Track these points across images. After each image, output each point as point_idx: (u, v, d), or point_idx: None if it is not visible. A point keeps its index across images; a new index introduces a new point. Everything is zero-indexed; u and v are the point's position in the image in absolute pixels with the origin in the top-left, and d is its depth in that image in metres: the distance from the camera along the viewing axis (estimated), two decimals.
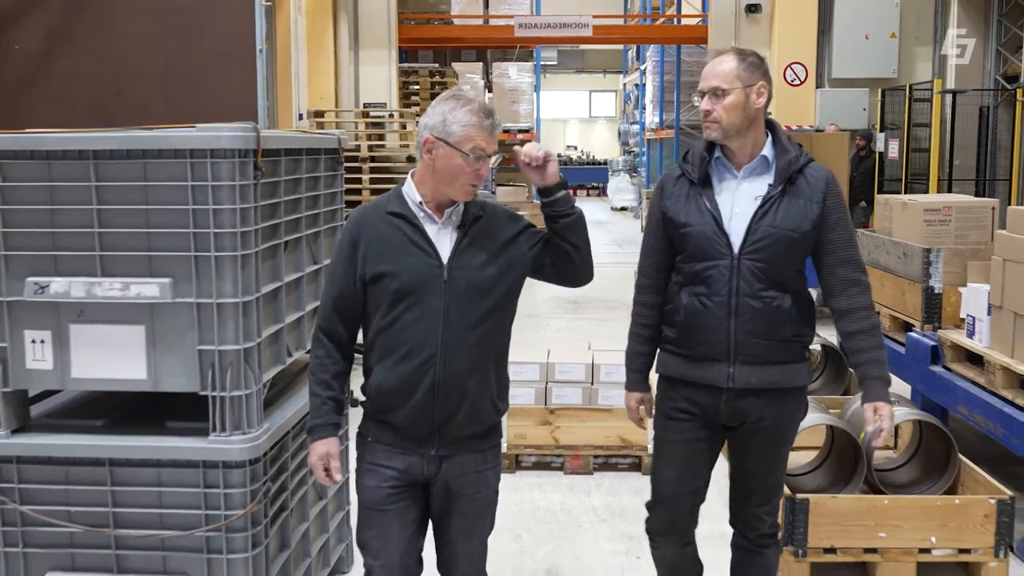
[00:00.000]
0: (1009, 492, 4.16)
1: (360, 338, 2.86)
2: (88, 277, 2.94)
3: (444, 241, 2.76)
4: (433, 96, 15.96)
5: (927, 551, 4.11)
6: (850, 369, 5.91)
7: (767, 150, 3.07)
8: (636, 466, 5.51)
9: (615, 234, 20.25)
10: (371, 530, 2.85)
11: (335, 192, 3.92)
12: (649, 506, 3.35)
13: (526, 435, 5.50)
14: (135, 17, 4.88)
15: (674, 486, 3.23)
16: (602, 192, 31.41)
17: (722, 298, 3.02)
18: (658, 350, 3.27)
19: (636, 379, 3.34)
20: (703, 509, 3.33)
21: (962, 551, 4.12)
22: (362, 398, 2.87)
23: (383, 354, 2.75)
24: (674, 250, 3.15)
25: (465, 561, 2.93)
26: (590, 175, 33.68)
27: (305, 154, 3.52)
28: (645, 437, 5.38)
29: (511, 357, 5.79)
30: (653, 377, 3.32)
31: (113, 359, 2.98)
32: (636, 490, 5.23)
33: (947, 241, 5.82)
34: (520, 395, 5.59)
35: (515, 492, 5.23)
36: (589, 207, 28.08)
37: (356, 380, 2.89)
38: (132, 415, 3.25)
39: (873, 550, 4.10)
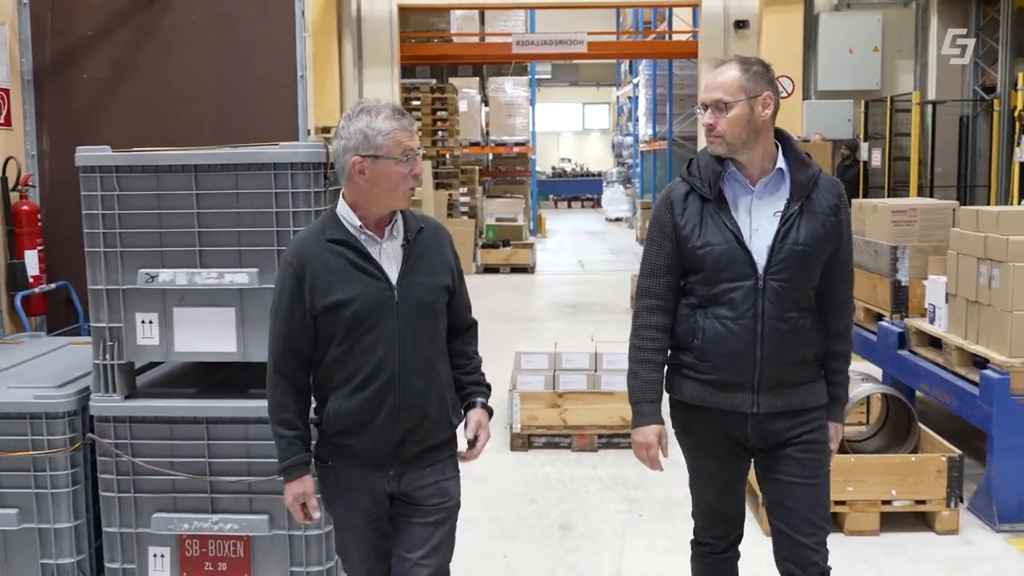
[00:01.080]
0: (958, 451, 4.88)
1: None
2: (189, 268, 3.64)
3: (390, 261, 2.79)
4: (435, 111, 16.81)
5: (888, 503, 4.83)
6: None
7: (782, 161, 2.97)
8: None
9: (611, 244, 20.97)
10: (353, 544, 2.97)
11: None
12: (694, 516, 3.31)
13: (537, 417, 6.21)
14: (190, 49, 5.59)
15: (718, 505, 3.21)
16: (596, 204, 32.18)
17: (747, 321, 2.91)
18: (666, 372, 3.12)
19: (652, 410, 3.06)
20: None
21: (918, 502, 4.85)
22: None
23: (340, 382, 2.79)
24: (684, 269, 3.03)
25: None
26: (585, 187, 34.47)
27: None
28: None
29: (522, 348, 6.51)
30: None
31: (209, 336, 3.68)
32: (636, 463, 5.89)
33: (913, 239, 6.53)
34: (531, 382, 6.31)
35: (528, 467, 5.94)
36: (584, 218, 28.94)
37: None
38: (218, 384, 3.96)
39: (842, 502, 4.81)
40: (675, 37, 18.96)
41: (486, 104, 21.05)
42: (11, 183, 5.30)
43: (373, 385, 2.75)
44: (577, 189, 34.71)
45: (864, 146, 15.35)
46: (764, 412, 2.96)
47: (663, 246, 3.04)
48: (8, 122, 5.43)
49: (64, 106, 5.63)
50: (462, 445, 2.99)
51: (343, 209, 2.79)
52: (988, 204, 14.06)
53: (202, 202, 3.62)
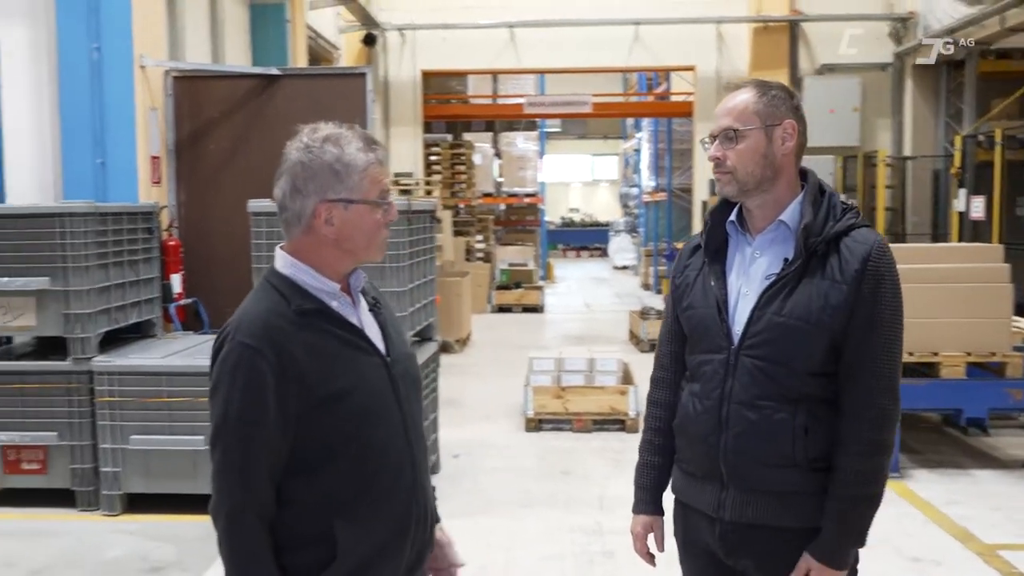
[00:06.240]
0: None
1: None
2: None
3: (371, 330, 2.30)
4: (453, 164, 19.18)
5: None
6: None
7: (789, 211, 2.51)
8: (622, 427, 8.42)
9: (616, 289, 23.29)
10: None
11: (432, 236, 6.96)
12: None
13: (545, 406, 8.45)
14: (292, 127, 7.93)
15: None
16: (604, 253, 34.54)
17: (712, 402, 2.50)
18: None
19: (643, 498, 2.77)
20: None
21: None
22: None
23: (349, 499, 2.19)
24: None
25: None
26: (592, 237, 36.86)
27: (426, 214, 6.57)
28: (628, 406, 8.32)
29: (535, 353, 8.81)
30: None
31: None
32: (621, 439, 8.16)
33: None
34: (540, 379, 8.58)
35: (539, 441, 8.19)
36: (591, 266, 31.32)
37: None
38: None
39: None
40: (673, 98, 21.40)
41: (499, 157, 23.46)
42: (164, 225, 7.62)
43: (398, 496, 2.25)
44: (585, 239, 37.11)
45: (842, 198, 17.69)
46: (731, 520, 2.50)
47: (669, 308, 2.75)
48: (159, 181, 7.79)
49: (196, 169, 8.01)
50: None
51: (297, 270, 2.23)
52: None
53: None
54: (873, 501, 2.47)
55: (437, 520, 2.47)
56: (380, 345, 2.29)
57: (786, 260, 2.48)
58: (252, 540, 2.14)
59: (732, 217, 2.61)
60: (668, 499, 2.82)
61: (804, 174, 2.60)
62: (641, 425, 2.91)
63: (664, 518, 2.82)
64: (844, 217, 2.50)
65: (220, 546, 2.17)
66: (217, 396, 2.16)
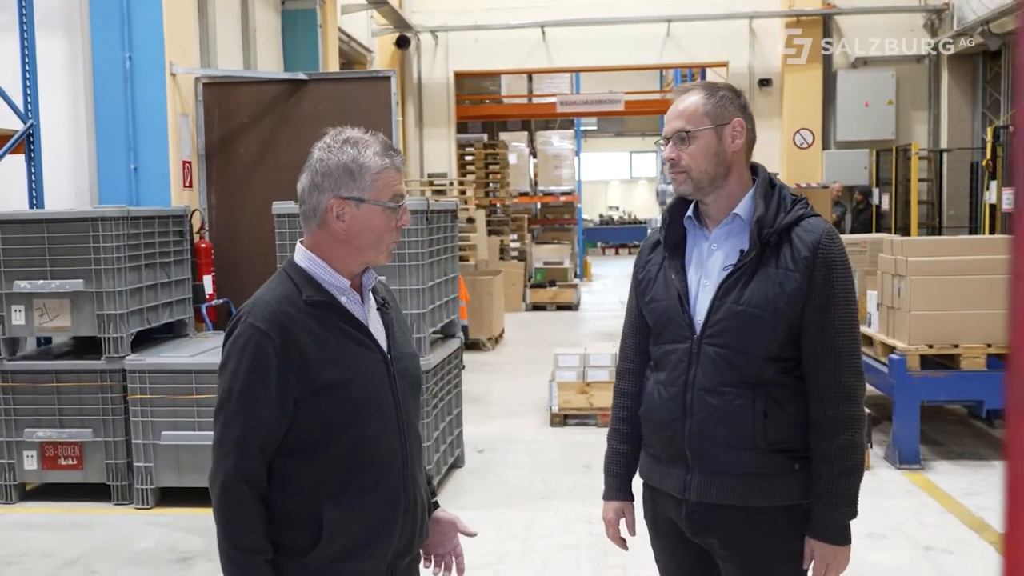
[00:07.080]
0: (868, 411, 7.15)
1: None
2: None
3: (375, 327, 2.43)
4: (487, 164, 19.36)
5: None
6: None
7: (742, 205, 2.64)
8: None
9: None
10: None
11: (454, 235, 7.11)
12: None
13: (570, 401, 8.58)
14: (318, 130, 8.12)
15: None
16: None
17: (677, 389, 2.64)
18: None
19: (613, 485, 2.89)
20: None
21: None
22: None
23: (340, 487, 2.32)
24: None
25: None
26: (631, 234, 36.83)
27: (447, 214, 6.72)
28: None
29: (561, 349, 8.94)
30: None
31: None
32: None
33: (863, 265, 8.85)
34: (565, 375, 8.70)
35: (563, 436, 8.31)
36: (629, 264, 31.28)
37: None
38: None
39: None
40: None
41: (534, 156, 23.57)
42: (195, 227, 7.84)
43: (384, 486, 2.37)
44: (624, 236, 37.10)
45: (875, 191, 17.64)
46: (697, 501, 2.64)
47: (632, 302, 2.88)
48: (191, 184, 8.02)
49: (226, 172, 8.22)
50: None
51: (312, 263, 2.38)
52: None
53: None
54: (855, 472, 2.59)
55: (430, 509, 2.61)
56: (383, 342, 2.41)
57: (742, 251, 2.61)
58: (245, 509, 2.27)
59: (689, 213, 2.73)
60: (637, 485, 2.91)
61: (755, 169, 2.73)
62: None
63: (634, 503, 2.93)
64: (794, 208, 2.62)
65: (215, 511, 2.31)
66: (225, 372, 2.31)
